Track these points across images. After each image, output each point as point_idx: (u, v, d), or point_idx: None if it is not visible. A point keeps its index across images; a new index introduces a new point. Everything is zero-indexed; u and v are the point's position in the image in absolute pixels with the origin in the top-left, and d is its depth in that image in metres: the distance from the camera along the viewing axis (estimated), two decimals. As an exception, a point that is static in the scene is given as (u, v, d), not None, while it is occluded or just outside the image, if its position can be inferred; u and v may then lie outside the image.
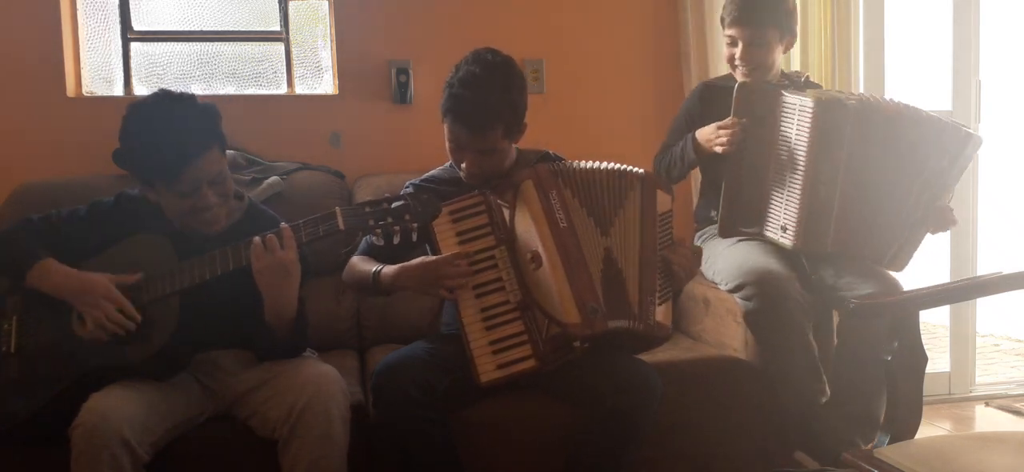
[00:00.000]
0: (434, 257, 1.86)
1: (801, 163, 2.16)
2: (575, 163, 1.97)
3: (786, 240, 2.22)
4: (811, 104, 2.13)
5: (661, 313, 1.91)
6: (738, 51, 2.36)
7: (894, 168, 2.20)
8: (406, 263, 1.90)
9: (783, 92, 2.21)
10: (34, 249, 1.79)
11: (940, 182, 2.23)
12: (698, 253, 2.06)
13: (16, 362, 1.75)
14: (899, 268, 2.28)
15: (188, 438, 1.82)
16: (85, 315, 1.71)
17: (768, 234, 2.27)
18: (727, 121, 2.23)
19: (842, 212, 2.18)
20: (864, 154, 2.17)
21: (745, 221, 2.30)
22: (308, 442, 1.73)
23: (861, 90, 3.10)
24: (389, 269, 1.93)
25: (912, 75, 3.76)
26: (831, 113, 2.14)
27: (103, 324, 1.69)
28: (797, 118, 2.16)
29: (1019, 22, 4.06)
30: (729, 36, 2.39)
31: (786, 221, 2.21)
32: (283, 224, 1.75)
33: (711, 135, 2.28)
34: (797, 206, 2.17)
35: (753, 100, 2.22)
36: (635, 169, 1.99)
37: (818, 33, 3.03)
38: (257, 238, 1.71)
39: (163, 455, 1.75)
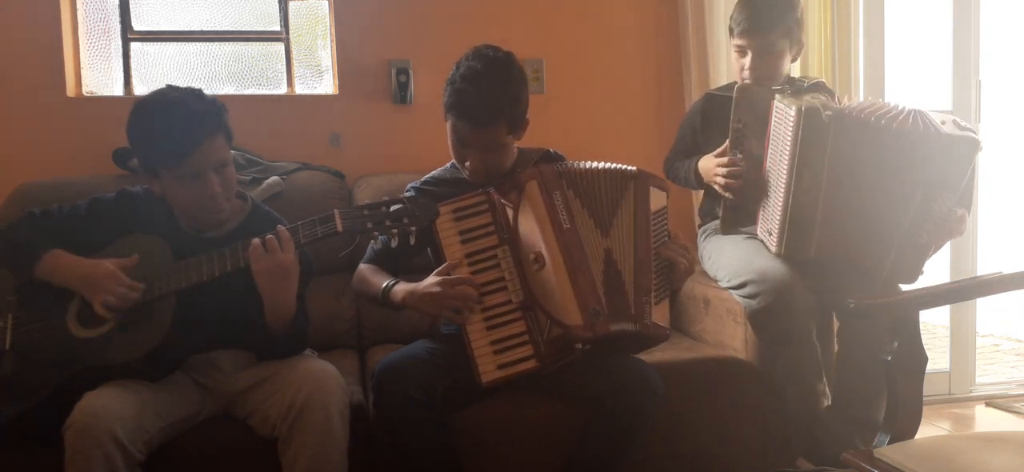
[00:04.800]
0: (439, 282, 1.84)
1: (784, 170, 2.14)
2: (575, 163, 1.97)
3: (771, 245, 2.21)
4: (793, 113, 2.10)
5: (657, 313, 1.91)
6: (747, 62, 2.32)
7: (885, 175, 2.12)
8: (415, 287, 1.89)
9: (776, 96, 2.20)
10: (41, 240, 1.79)
11: (932, 186, 2.10)
12: (692, 248, 2.05)
13: (11, 359, 1.75)
14: (908, 280, 2.19)
15: (187, 437, 1.82)
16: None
17: (759, 235, 2.27)
18: (725, 159, 2.22)
19: (826, 220, 2.14)
20: (850, 163, 2.11)
21: (744, 219, 2.29)
22: (308, 438, 1.73)
23: (861, 91, 3.10)
24: (400, 288, 1.93)
25: (912, 75, 3.76)
26: (811, 122, 2.08)
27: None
28: (783, 125, 2.14)
29: (1019, 22, 4.06)
30: (738, 46, 2.35)
31: (771, 226, 2.20)
32: (280, 226, 1.75)
33: (711, 168, 2.28)
34: (780, 211, 2.16)
35: (752, 101, 2.21)
36: (628, 168, 1.99)
37: (818, 33, 3.03)
38: (256, 240, 1.71)
39: (162, 455, 1.75)
